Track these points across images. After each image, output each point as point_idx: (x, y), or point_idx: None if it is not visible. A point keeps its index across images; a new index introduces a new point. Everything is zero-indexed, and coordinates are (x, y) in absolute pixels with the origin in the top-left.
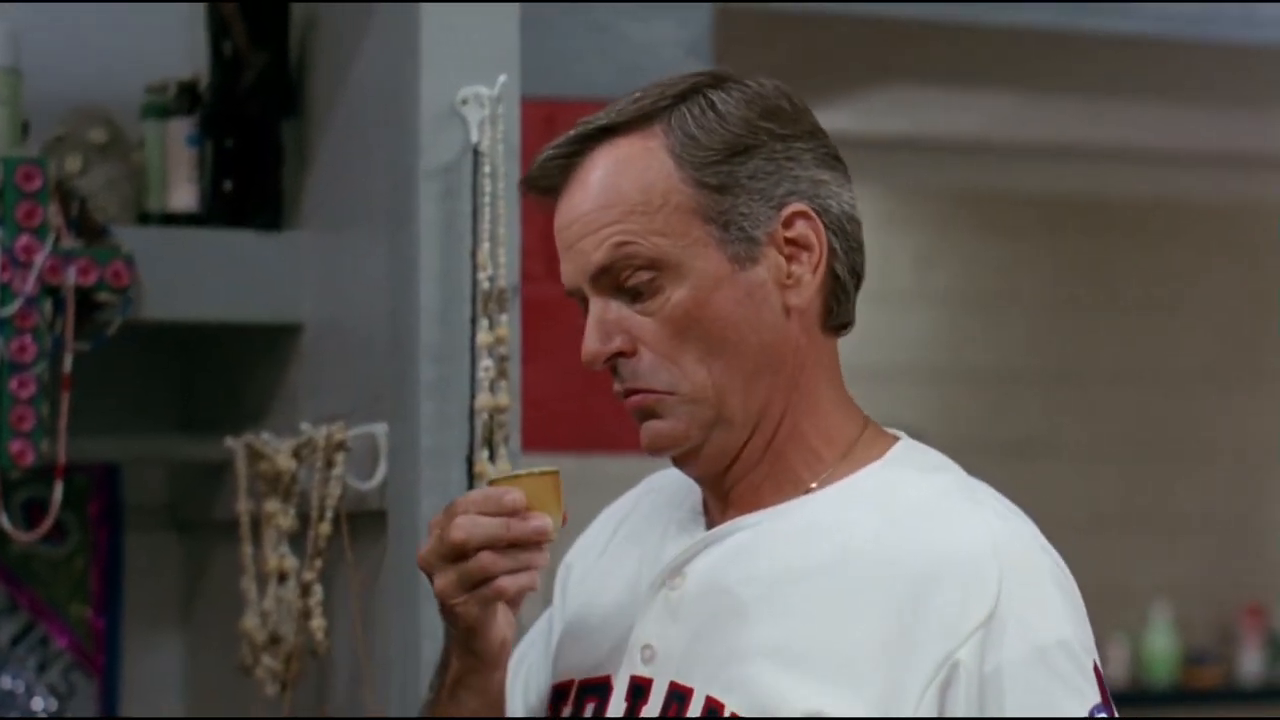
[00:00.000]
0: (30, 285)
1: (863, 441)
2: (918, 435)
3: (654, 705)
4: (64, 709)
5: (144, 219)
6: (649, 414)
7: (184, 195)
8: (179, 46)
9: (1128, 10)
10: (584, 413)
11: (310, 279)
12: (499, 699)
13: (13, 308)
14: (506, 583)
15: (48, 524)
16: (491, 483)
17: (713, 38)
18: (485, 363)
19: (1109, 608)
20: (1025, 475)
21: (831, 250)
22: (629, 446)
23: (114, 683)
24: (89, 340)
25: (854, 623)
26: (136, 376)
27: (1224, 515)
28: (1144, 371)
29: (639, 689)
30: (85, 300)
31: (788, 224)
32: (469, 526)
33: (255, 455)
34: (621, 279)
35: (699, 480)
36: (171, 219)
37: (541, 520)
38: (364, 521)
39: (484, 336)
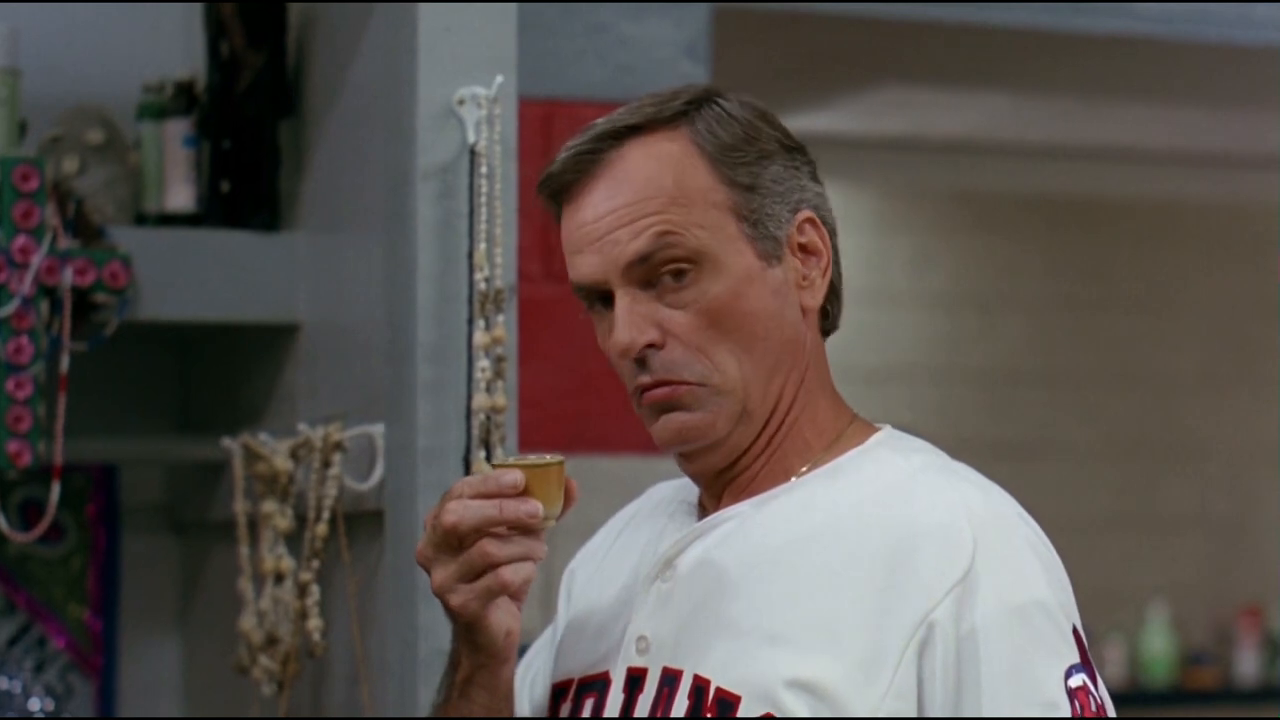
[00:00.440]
0: (27, 286)
1: (848, 433)
2: (911, 434)
3: (649, 693)
4: (61, 709)
5: (141, 219)
6: (674, 406)
7: (181, 196)
8: (176, 47)
9: (1124, 10)
10: (580, 413)
11: (307, 279)
12: (509, 695)
13: (10, 308)
14: (508, 573)
15: (45, 524)
16: (494, 467)
17: (709, 38)
18: (482, 363)
19: (1106, 608)
20: (1022, 476)
21: (833, 257)
22: (625, 447)
23: (111, 683)
24: (86, 341)
25: (833, 592)
26: (133, 377)
27: (1221, 516)
28: (1141, 372)
29: (635, 680)
30: (82, 301)
31: (801, 229)
32: (460, 510)
33: (252, 456)
34: (658, 269)
35: (699, 476)
36: (168, 219)
37: (533, 504)
38: (361, 522)
39: (481, 337)
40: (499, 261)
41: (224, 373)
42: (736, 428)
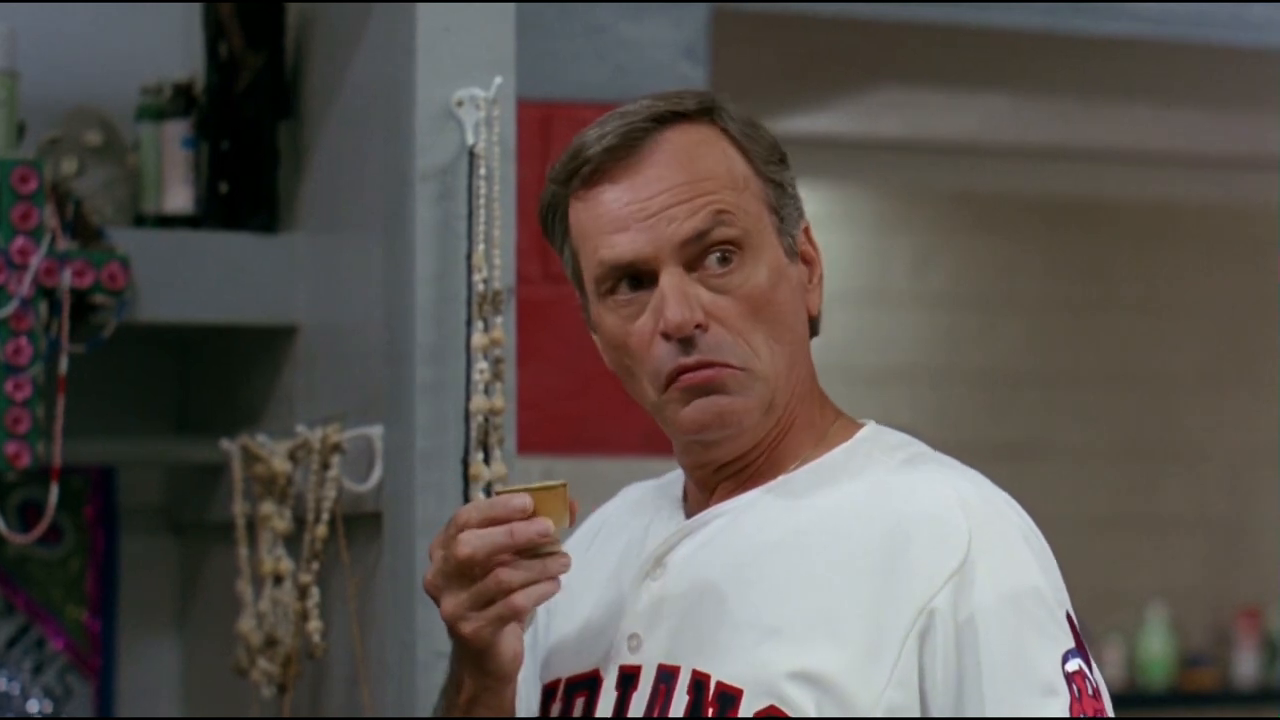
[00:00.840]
0: (26, 287)
1: (834, 430)
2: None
3: (644, 690)
4: (60, 711)
5: (139, 221)
6: (715, 389)
7: (179, 197)
8: (174, 48)
9: (1123, 12)
10: (579, 415)
11: (306, 281)
12: (512, 712)
13: (8, 310)
14: (520, 598)
15: (43, 526)
16: (497, 493)
17: (708, 40)
18: (480, 365)
19: (1105, 610)
20: (1021, 477)
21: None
22: (624, 449)
23: (110, 685)
24: (85, 342)
25: (831, 584)
26: (132, 378)
27: (1220, 518)
28: (1140, 373)
29: (628, 677)
30: (81, 302)
31: (805, 235)
32: (474, 541)
33: (251, 457)
34: (708, 250)
35: (703, 468)
36: (167, 221)
37: (544, 523)
38: (360, 523)
39: (479, 338)
40: (497, 263)
41: (222, 374)
42: (763, 418)
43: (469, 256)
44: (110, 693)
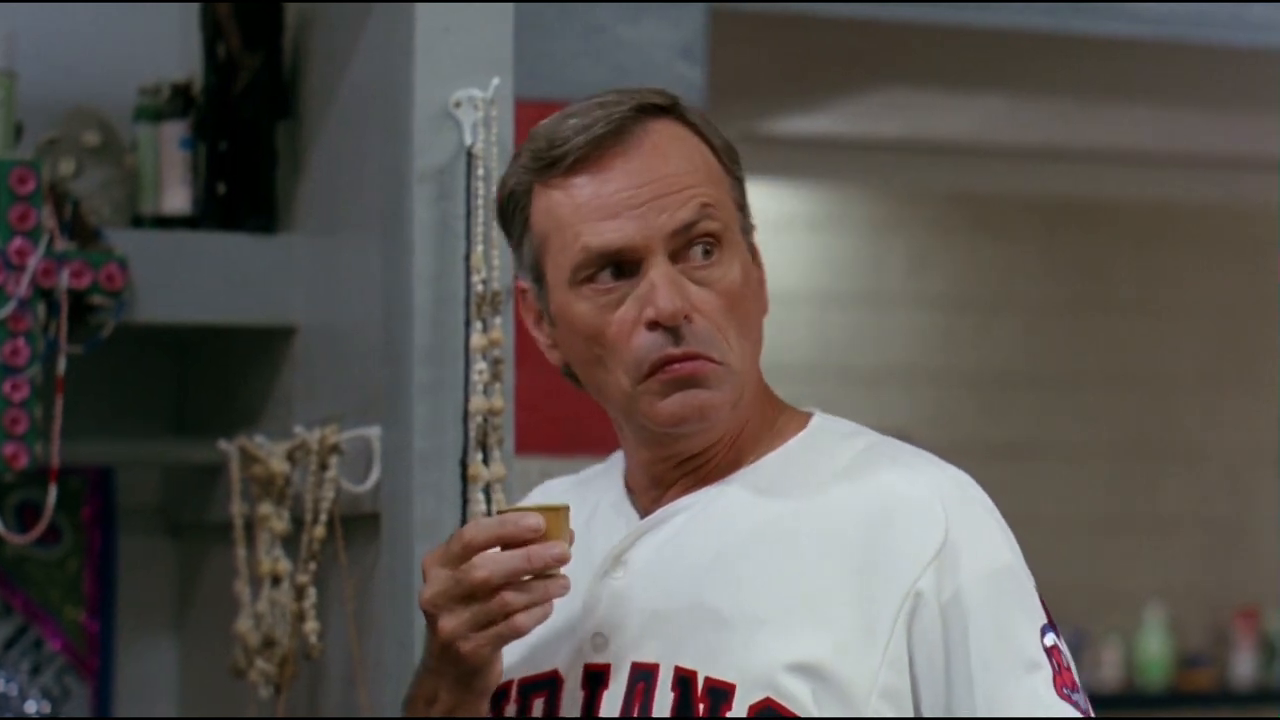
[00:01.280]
0: (24, 288)
1: (782, 422)
2: (909, 438)
3: (616, 689)
4: (58, 712)
5: (137, 222)
6: (698, 383)
7: (177, 198)
8: (172, 49)
9: (1121, 13)
10: (578, 415)
11: (304, 282)
12: None
13: (6, 311)
14: (523, 619)
15: (41, 527)
16: (500, 513)
17: (706, 40)
18: (479, 365)
19: (1102, 610)
20: (1019, 478)
21: None
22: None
23: (107, 686)
24: (82, 343)
25: (814, 573)
26: (130, 379)
27: (1217, 518)
28: (1137, 374)
29: (596, 676)
30: (79, 303)
31: (753, 238)
32: (490, 565)
33: (249, 458)
34: (692, 242)
35: (663, 461)
36: (165, 222)
37: (561, 547)
38: (357, 524)
39: (477, 339)
40: (496, 264)
41: (220, 375)
42: (731, 413)
43: (467, 257)
44: (108, 693)
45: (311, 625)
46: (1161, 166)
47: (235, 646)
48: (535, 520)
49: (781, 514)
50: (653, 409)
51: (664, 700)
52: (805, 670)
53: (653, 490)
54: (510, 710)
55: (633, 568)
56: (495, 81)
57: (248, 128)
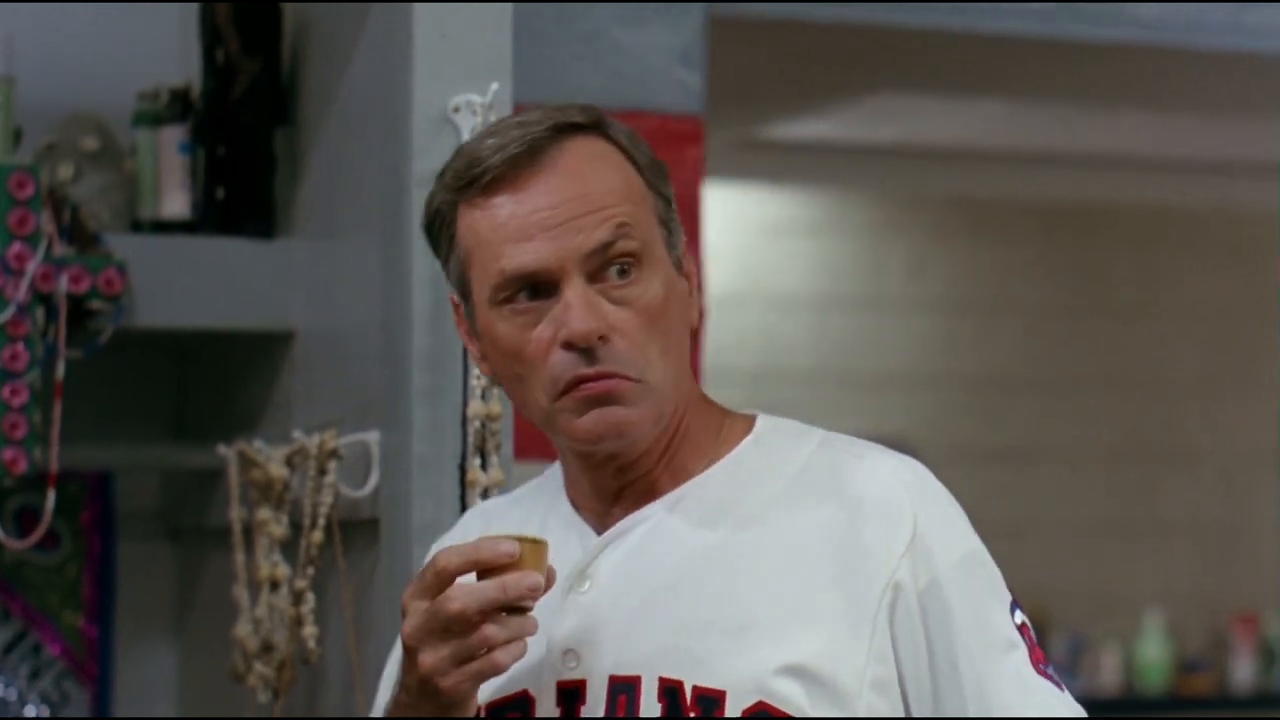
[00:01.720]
0: (22, 293)
1: (727, 426)
2: (909, 442)
3: (594, 703)
4: (57, 716)
5: (136, 226)
6: (614, 400)
7: (176, 203)
8: (171, 54)
9: (1119, 17)
10: None
11: (302, 286)
12: None
13: (5, 315)
14: (501, 655)
15: (40, 531)
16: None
17: (704, 45)
18: (477, 370)
19: (1101, 615)
20: (1018, 482)
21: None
22: None
23: (106, 690)
24: (81, 348)
25: (790, 574)
26: (129, 384)
27: (1216, 522)
28: (1136, 378)
29: (570, 692)
30: (77, 308)
31: (685, 252)
32: (465, 597)
33: (247, 463)
34: (610, 262)
35: (597, 474)
36: (164, 226)
37: (535, 577)
38: (356, 529)
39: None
40: None
41: (219, 380)
42: (654, 428)
43: None
44: (107, 698)
45: (310, 630)
46: (1159, 171)
47: (234, 651)
48: (510, 546)
49: (746, 519)
50: (570, 426)
51: (651, 711)
52: (795, 672)
53: (599, 504)
54: None
55: (598, 582)
56: (494, 86)
57: (246, 132)
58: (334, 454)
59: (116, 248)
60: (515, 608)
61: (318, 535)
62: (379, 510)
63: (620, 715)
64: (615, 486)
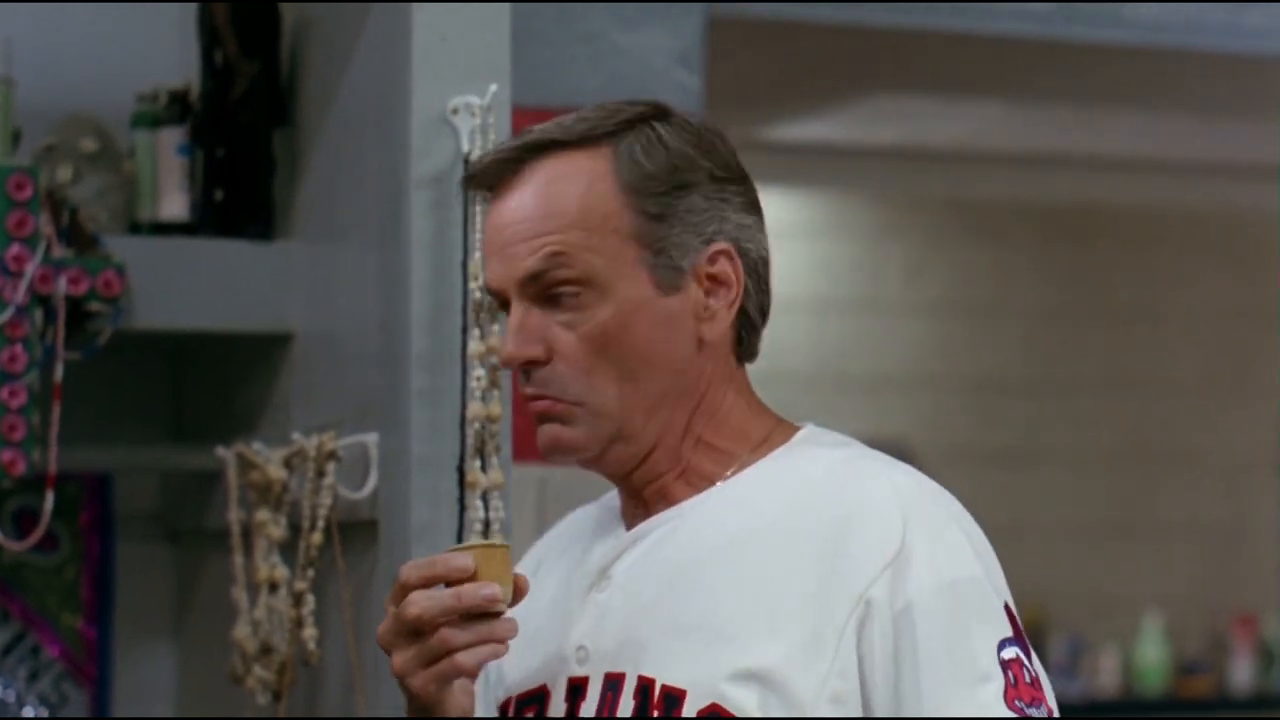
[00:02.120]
0: (21, 294)
1: (772, 436)
2: (908, 445)
3: (591, 699)
4: (55, 718)
5: (135, 228)
6: (552, 419)
7: (175, 204)
8: (170, 55)
9: (1117, 19)
10: None
11: (301, 288)
12: None
13: (4, 317)
14: (464, 658)
15: (39, 533)
16: (456, 550)
17: (703, 47)
18: (477, 372)
19: (1100, 617)
20: (1015, 485)
21: (746, 290)
22: None
23: (105, 692)
24: (80, 350)
25: (772, 582)
26: (128, 386)
27: (1215, 524)
28: (1134, 380)
29: (576, 689)
30: (76, 309)
31: (712, 260)
32: (423, 601)
33: (246, 464)
34: (550, 288)
35: (610, 479)
36: (162, 228)
37: (491, 588)
38: (355, 531)
39: (475, 346)
40: None
41: (218, 382)
42: (611, 448)
43: (464, 264)
44: (106, 700)
45: (309, 632)
46: (1158, 172)
47: (233, 653)
48: (463, 560)
49: (748, 526)
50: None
51: (626, 708)
52: (753, 678)
53: (630, 507)
54: None
55: (615, 582)
56: (493, 88)
57: (245, 134)
58: (333, 456)
59: (115, 249)
60: (483, 613)
61: (317, 537)
62: (378, 512)
63: (606, 711)
64: (633, 491)
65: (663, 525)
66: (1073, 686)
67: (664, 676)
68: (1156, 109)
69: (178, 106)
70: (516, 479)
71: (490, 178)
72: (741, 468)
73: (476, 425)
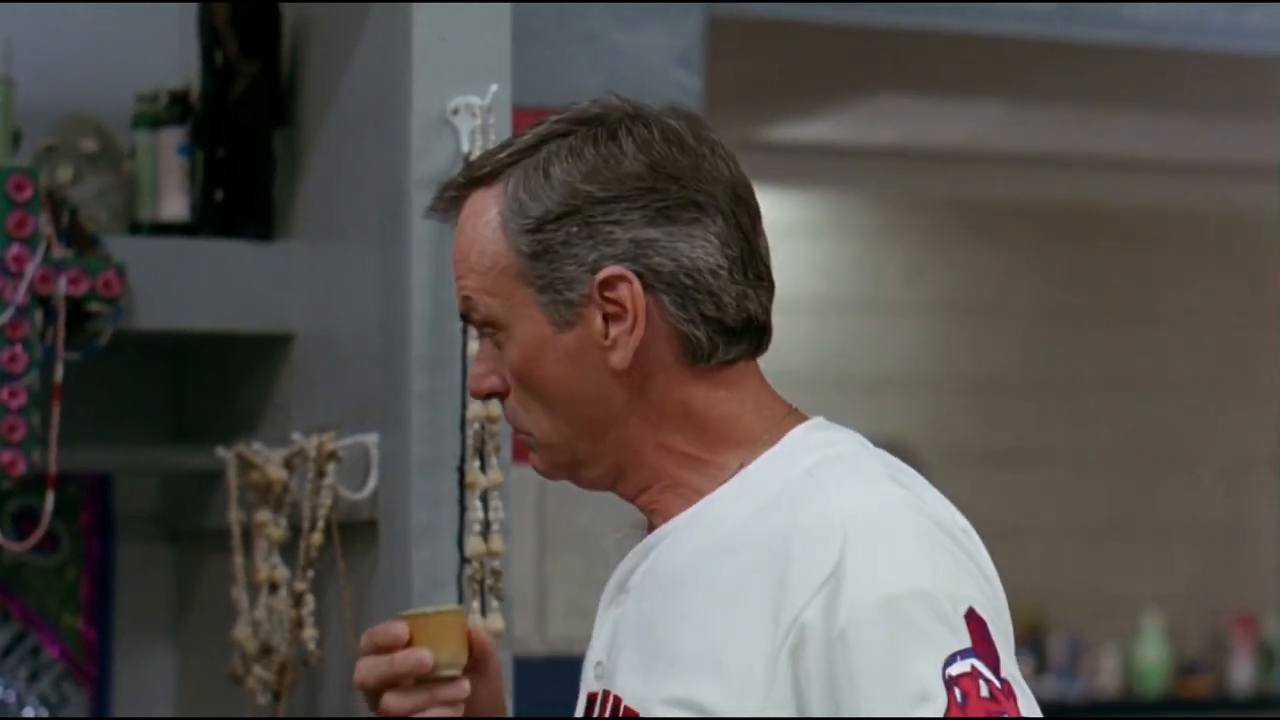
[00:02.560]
0: (21, 295)
1: (766, 436)
2: (908, 445)
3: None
4: (55, 718)
5: (135, 229)
6: (528, 444)
7: (175, 205)
8: (170, 56)
9: (1117, 19)
10: None
11: (301, 289)
12: None
13: (4, 317)
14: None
15: (39, 533)
16: (400, 617)
17: (703, 47)
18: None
19: (1100, 617)
20: (1016, 485)
21: (660, 307)
22: None
23: (105, 692)
24: (80, 350)
25: (719, 607)
26: (128, 386)
27: (1215, 525)
28: (1134, 381)
29: (590, 703)
30: (76, 310)
31: (606, 286)
32: (363, 669)
33: (246, 465)
34: (481, 327)
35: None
36: (162, 229)
37: (420, 654)
38: (355, 531)
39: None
40: None
41: (218, 382)
42: (576, 471)
43: None
44: (106, 700)
45: (309, 632)
46: (1158, 173)
47: (233, 653)
48: (399, 629)
49: (712, 545)
50: None
51: None
52: (685, 705)
53: (648, 516)
54: None
55: (630, 594)
56: (493, 89)
57: (245, 134)
58: (333, 456)
59: (115, 250)
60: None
61: (317, 537)
62: (378, 512)
63: None
64: (635, 505)
65: (664, 538)
66: (1073, 687)
67: (627, 696)
68: (1156, 109)
69: (178, 107)
70: (516, 479)
71: (441, 213)
72: (730, 476)
73: (476, 426)
